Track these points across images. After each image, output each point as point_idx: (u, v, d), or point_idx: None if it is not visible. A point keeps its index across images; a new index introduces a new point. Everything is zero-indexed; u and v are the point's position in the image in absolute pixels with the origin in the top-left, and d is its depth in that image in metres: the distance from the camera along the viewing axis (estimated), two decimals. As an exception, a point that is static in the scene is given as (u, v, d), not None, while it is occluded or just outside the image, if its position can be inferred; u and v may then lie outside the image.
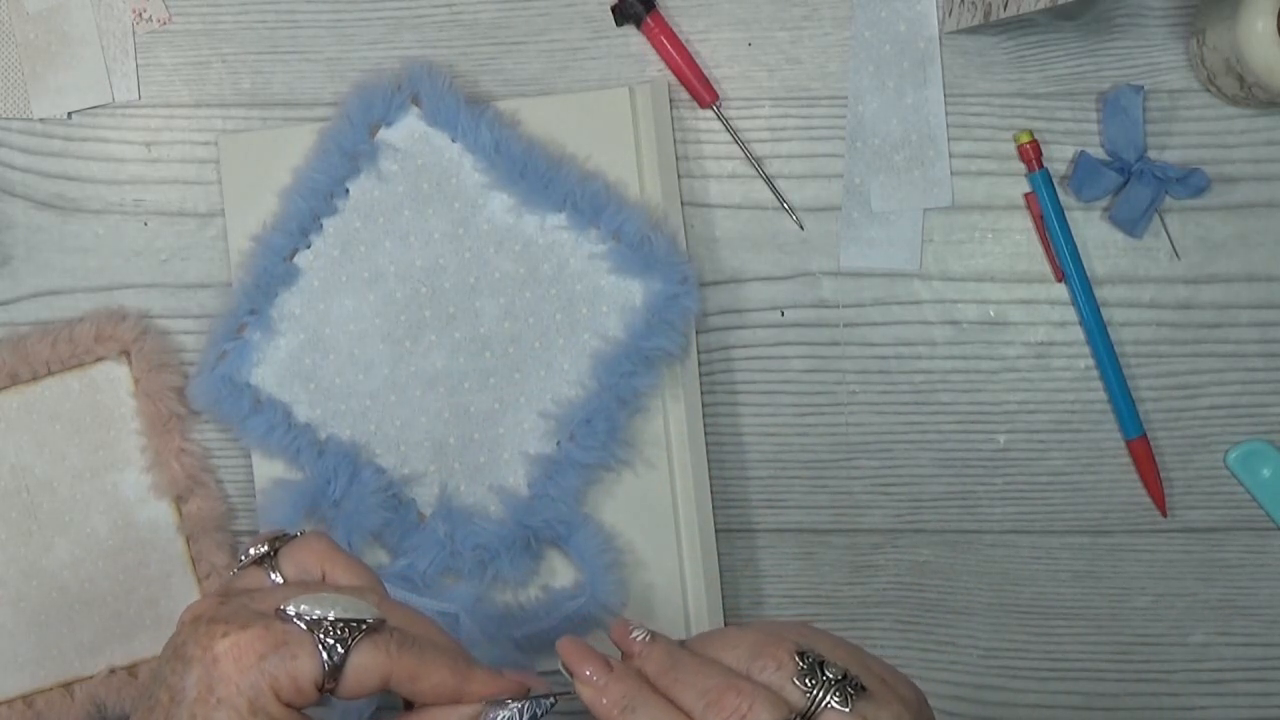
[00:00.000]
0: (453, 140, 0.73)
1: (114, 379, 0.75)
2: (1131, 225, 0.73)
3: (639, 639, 0.54)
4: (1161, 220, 0.74)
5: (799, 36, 0.75)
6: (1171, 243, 0.74)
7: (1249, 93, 0.70)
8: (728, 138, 0.75)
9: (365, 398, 0.74)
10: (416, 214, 0.73)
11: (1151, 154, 0.73)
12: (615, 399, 0.71)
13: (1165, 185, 0.73)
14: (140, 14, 0.76)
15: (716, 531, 0.74)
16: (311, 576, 0.56)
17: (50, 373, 0.75)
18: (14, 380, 0.75)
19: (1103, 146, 0.74)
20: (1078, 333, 0.74)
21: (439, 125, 0.73)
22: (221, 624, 0.51)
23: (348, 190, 0.74)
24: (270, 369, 0.74)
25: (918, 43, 0.74)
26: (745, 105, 0.75)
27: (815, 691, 0.49)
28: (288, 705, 0.50)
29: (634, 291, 0.72)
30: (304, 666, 0.50)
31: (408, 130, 0.73)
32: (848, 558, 0.76)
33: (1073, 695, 0.75)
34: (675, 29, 0.75)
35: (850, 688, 0.50)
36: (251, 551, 0.56)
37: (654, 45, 0.75)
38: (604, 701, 0.52)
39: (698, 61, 0.75)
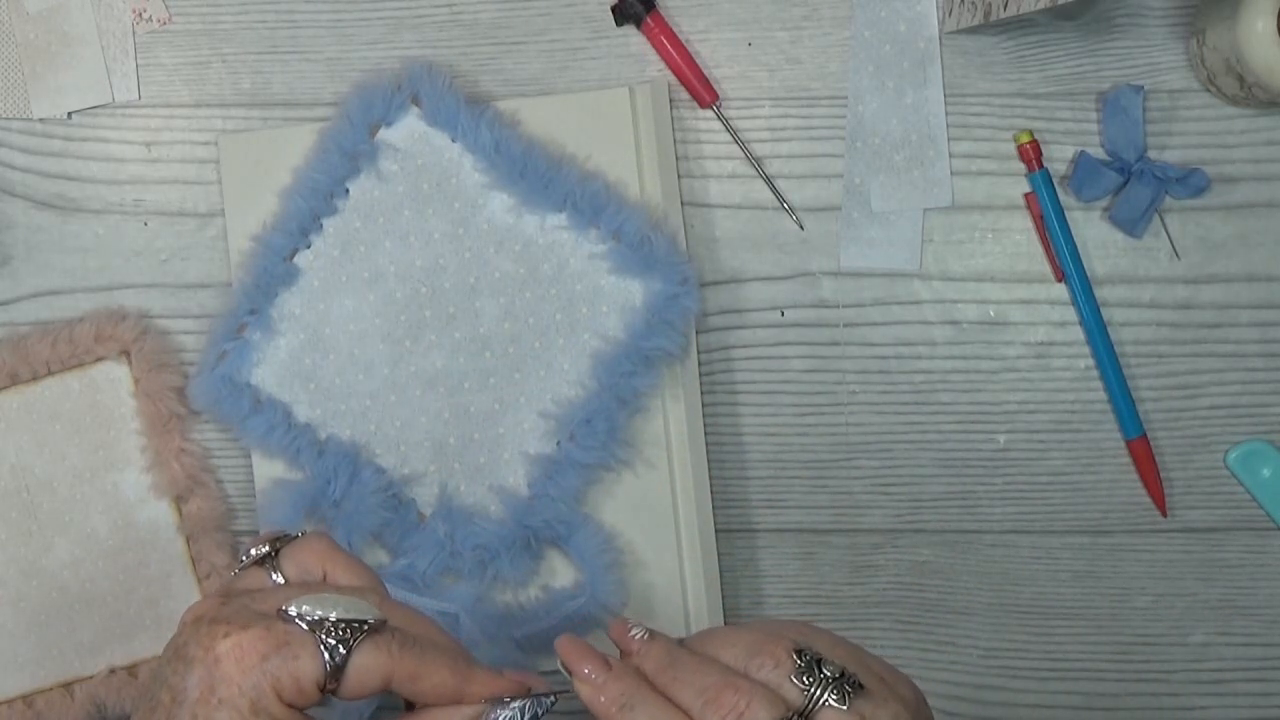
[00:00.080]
0: (453, 140, 0.73)
1: (114, 379, 0.75)
2: (1131, 225, 0.73)
3: (637, 637, 0.54)
4: (1161, 220, 0.74)
5: (799, 36, 0.75)
6: (1171, 243, 0.74)
7: (1249, 93, 0.70)
8: (728, 138, 0.75)
9: (365, 398, 0.74)
10: (416, 214, 0.73)
11: (1151, 154, 0.73)
12: (615, 399, 0.71)
13: (1165, 185, 0.73)
14: (140, 14, 0.76)
15: (716, 531, 0.74)
16: (313, 577, 0.56)
17: (50, 373, 0.75)
18: (14, 380, 0.75)
19: (1103, 146, 0.74)
20: (1078, 333, 0.74)
21: (439, 125, 0.73)
22: (223, 624, 0.51)
23: (348, 190, 0.74)
24: (270, 369, 0.74)
25: (918, 43, 0.74)
26: (745, 105, 0.75)
27: (813, 689, 0.49)
28: (289, 706, 0.51)
29: (634, 291, 0.72)
30: (306, 667, 0.50)
31: (408, 130, 0.73)
32: (848, 558, 0.76)
33: (1073, 695, 0.75)
34: (675, 29, 0.75)
35: (848, 686, 0.50)
36: (253, 552, 0.56)
37: (654, 45, 0.75)
38: (602, 699, 0.52)
39: (698, 61, 0.74)
